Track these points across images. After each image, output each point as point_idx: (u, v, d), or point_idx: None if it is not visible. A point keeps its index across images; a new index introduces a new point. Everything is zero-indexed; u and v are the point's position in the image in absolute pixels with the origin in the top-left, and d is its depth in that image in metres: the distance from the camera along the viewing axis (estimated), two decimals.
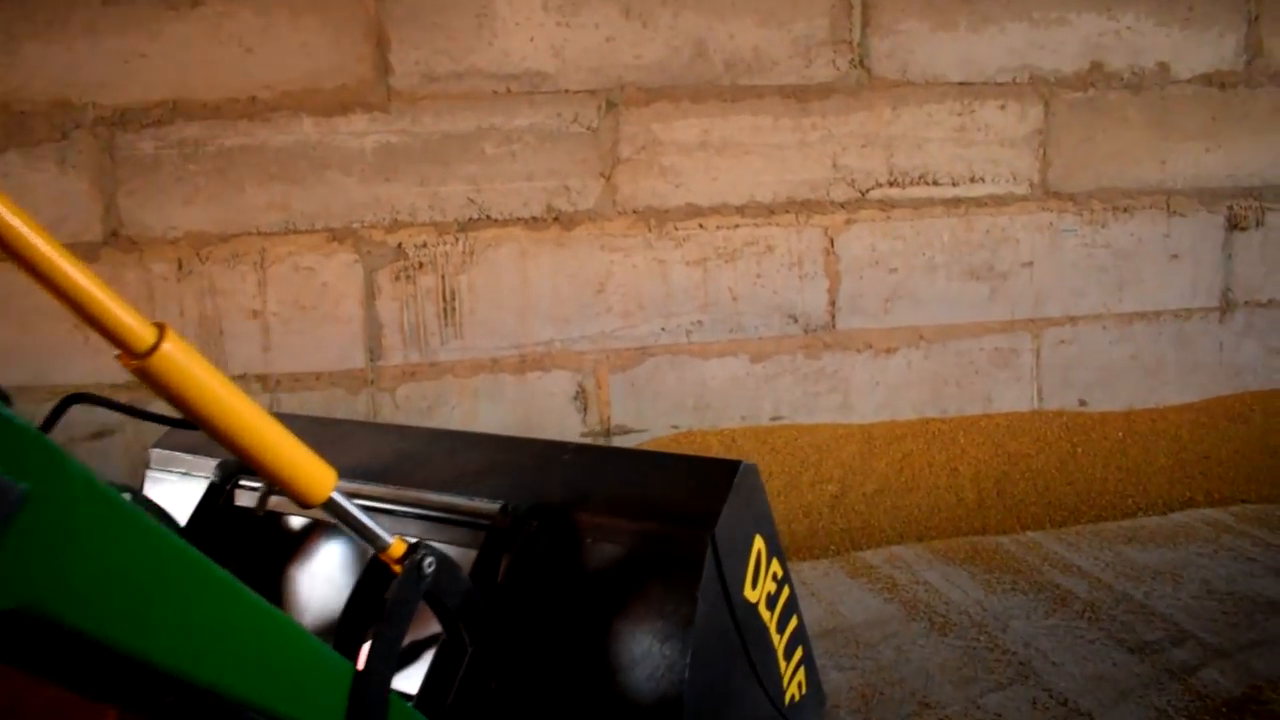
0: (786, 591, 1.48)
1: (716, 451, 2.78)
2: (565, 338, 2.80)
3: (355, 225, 2.67)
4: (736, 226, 2.85)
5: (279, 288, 2.67)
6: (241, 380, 2.68)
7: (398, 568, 1.16)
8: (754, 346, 2.91)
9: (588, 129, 2.73)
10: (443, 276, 2.72)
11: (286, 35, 2.59)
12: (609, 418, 2.86)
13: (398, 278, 2.71)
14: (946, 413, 3.05)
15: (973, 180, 2.93)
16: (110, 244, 2.60)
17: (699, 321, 2.86)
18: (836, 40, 2.81)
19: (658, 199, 2.79)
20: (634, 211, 2.78)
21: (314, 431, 1.83)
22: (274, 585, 1.67)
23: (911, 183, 2.92)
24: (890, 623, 2.08)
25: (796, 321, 2.92)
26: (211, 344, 2.66)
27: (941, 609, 2.16)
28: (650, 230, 2.80)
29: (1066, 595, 2.21)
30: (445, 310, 2.74)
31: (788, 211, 2.87)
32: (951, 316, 3.00)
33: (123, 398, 2.65)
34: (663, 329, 2.85)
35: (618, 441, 2.87)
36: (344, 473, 1.57)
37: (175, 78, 2.56)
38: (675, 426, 2.90)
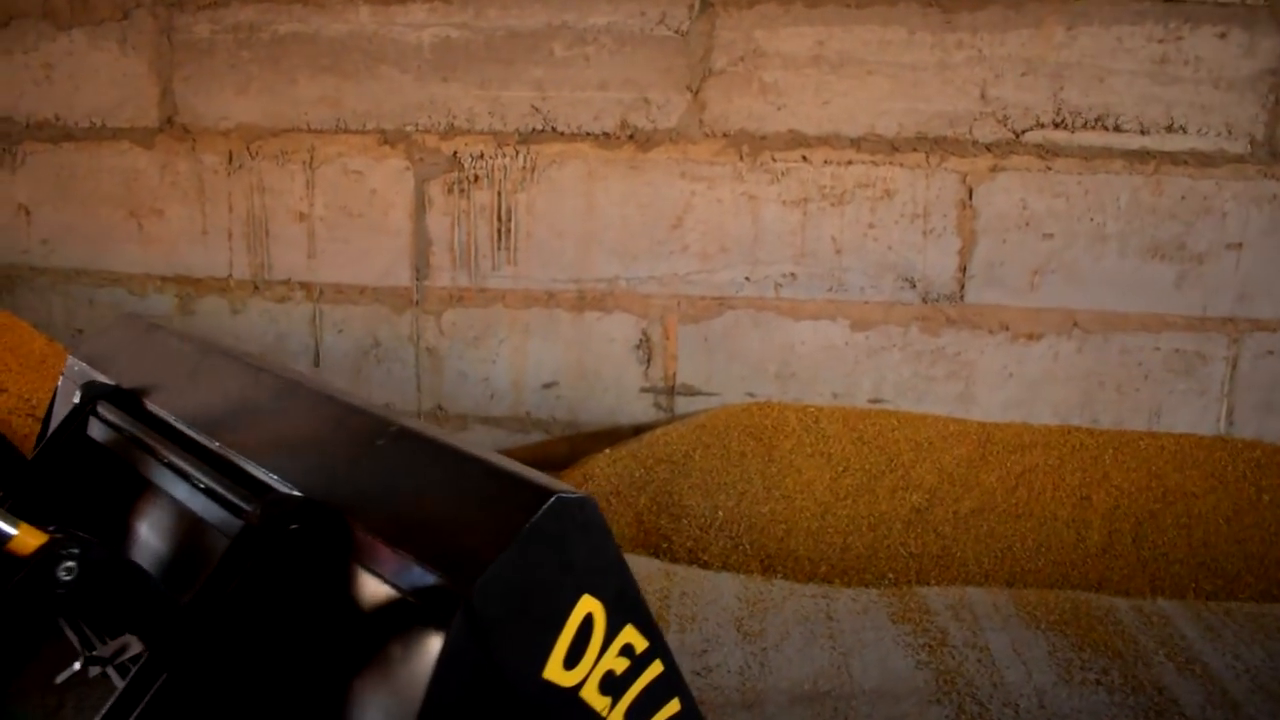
0: (654, 670, 1.05)
1: (794, 431, 2.33)
2: (632, 276, 2.42)
3: (409, 128, 2.40)
4: (849, 163, 2.34)
5: (327, 190, 2.46)
6: (285, 286, 2.51)
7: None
8: (857, 311, 2.41)
9: (676, 32, 2.31)
10: (499, 193, 2.41)
11: None
12: (674, 374, 2.47)
13: (450, 190, 2.42)
14: (1098, 423, 2.42)
15: (1170, 130, 2.26)
16: (165, 130, 2.48)
17: (791, 274, 2.40)
18: None
19: (754, 122, 2.34)
20: (724, 135, 2.35)
21: (176, 357, 1.57)
22: (116, 530, 1.44)
23: (1085, 126, 2.28)
24: (904, 700, 1.59)
25: (914, 287, 2.39)
26: (258, 245, 2.50)
27: (984, 693, 1.63)
28: (742, 159, 2.35)
29: (1168, 707, 1.61)
30: (500, 231, 2.43)
31: (916, 150, 2.33)
32: (1120, 303, 2.36)
33: (171, 290, 2.56)
34: (747, 278, 2.41)
35: (682, 404, 2.48)
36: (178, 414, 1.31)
37: None
38: (751, 395, 2.47)
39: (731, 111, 2.33)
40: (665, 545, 2.10)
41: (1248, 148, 2.25)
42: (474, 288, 2.46)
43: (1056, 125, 2.28)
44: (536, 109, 2.36)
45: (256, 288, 2.52)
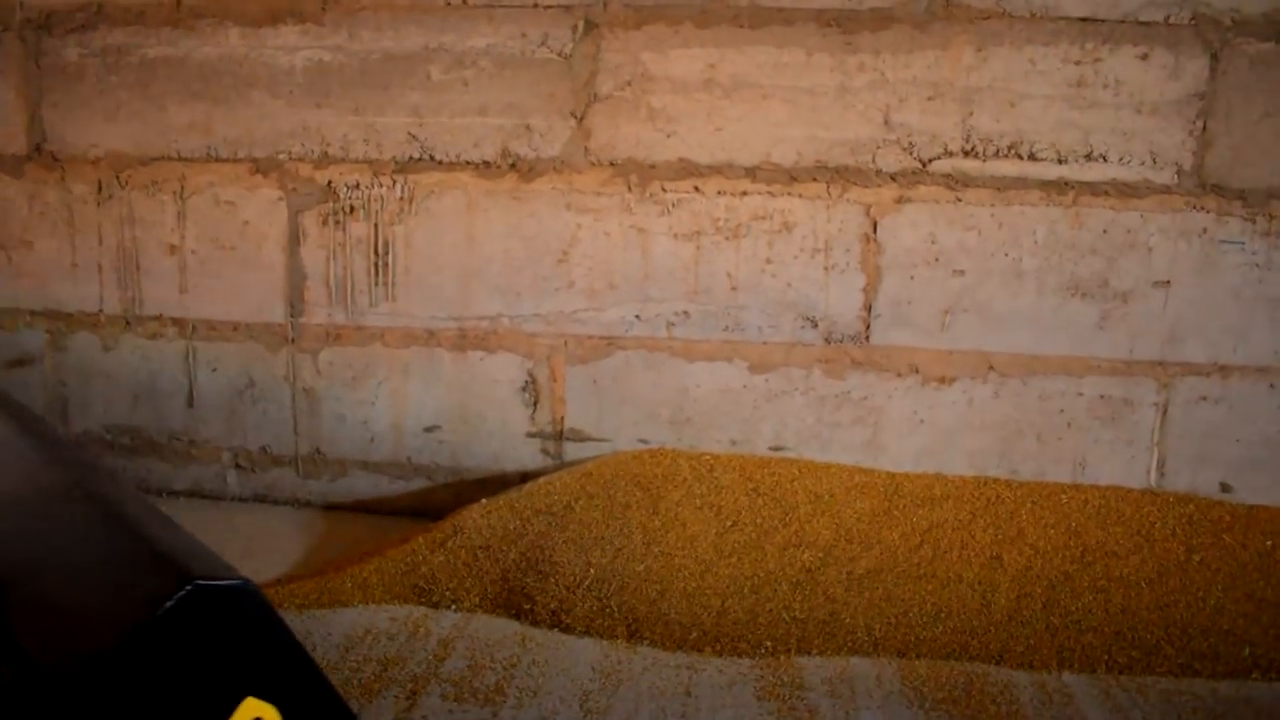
0: None
1: (685, 481, 2.15)
2: (516, 314, 2.27)
3: (281, 157, 2.27)
4: (744, 194, 2.18)
5: (199, 222, 2.33)
6: (157, 322, 2.38)
7: None
8: (756, 353, 2.24)
9: (559, 55, 2.17)
10: (376, 225, 2.27)
11: None
12: (562, 418, 2.31)
13: (326, 222, 2.29)
14: (1017, 474, 2.23)
15: (1089, 158, 2.08)
16: (34, 159, 2.36)
17: (685, 312, 2.23)
18: None
19: (643, 150, 2.19)
20: (611, 164, 2.20)
21: None
22: None
23: (997, 154, 2.12)
24: None
25: (816, 327, 2.22)
26: (129, 279, 2.37)
27: None
28: (630, 190, 2.20)
29: None
30: (377, 265, 2.29)
31: (816, 180, 2.17)
32: (1040, 345, 2.18)
33: (42, 325, 2.44)
34: (637, 316, 2.25)
35: (571, 450, 2.31)
36: None
37: None
38: (643, 440, 2.30)
39: (619, 139, 2.18)
40: (528, 606, 1.93)
41: (1174, 177, 2.06)
42: (351, 325, 2.32)
43: (966, 153, 2.11)
44: (414, 136, 2.23)
45: (128, 323, 2.39)
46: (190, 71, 2.26)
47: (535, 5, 2.16)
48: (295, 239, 2.30)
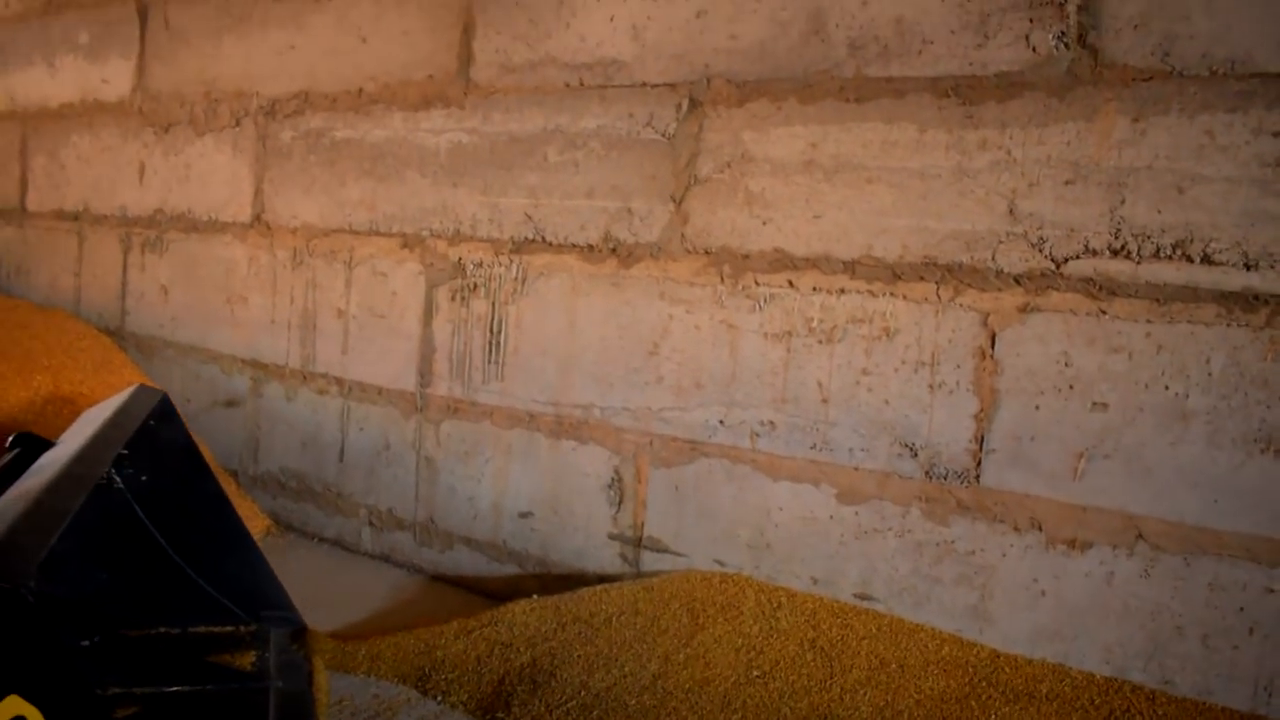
0: None
1: (739, 616, 1.85)
2: (607, 405, 2.13)
3: (424, 233, 2.37)
4: (841, 291, 1.86)
5: (360, 290, 2.50)
6: (324, 379, 2.58)
7: None
8: (846, 478, 1.88)
9: (662, 135, 2.03)
10: (493, 303, 2.27)
11: (393, 23, 2.39)
12: (642, 524, 2.11)
13: (454, 297, 2.33)
14: (1171, 685, 1.62)
15: None
16: (254, 226, 2.70)
17: (770, 422, 1.95)
18: (1037, 2, 1.66)
19: (737, 238, 1.96)
20: (705, 251, 2.00)
21: None
22: None
23: (1157, 254, 1.60)
24: None
25: (916, 456, 1.81)
26: (308, 338, 2.61)
27: None
28: (723, 281, 1.98)
29: None
30: (491, 343, 2.28)
31: (924, 279, 1.79)
32: (1211, 515, 1.58)
33: (248, 373, 2.75)
34: (721, 421, 2.00)
35: (649, 560, 2.10)
36: None
37: (309, 68, 2.55)
38: (719, 562, 2.02)
39: (714, 225, 1.99)
40: (502, 716, 1.77)
41: None
42: (467, 400, 2.33)
43: (1115, 252, 1.63)
44: (529, 216, 2.21)
45: (305, 378, 2.62)
46: (364, 151, 2.46)
47: (643, 85, 2.05)
48: (430, 312, 2.38)
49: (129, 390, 2.02)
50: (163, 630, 1.70)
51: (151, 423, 1.89)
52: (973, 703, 1.64)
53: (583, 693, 1.76)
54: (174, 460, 1.89)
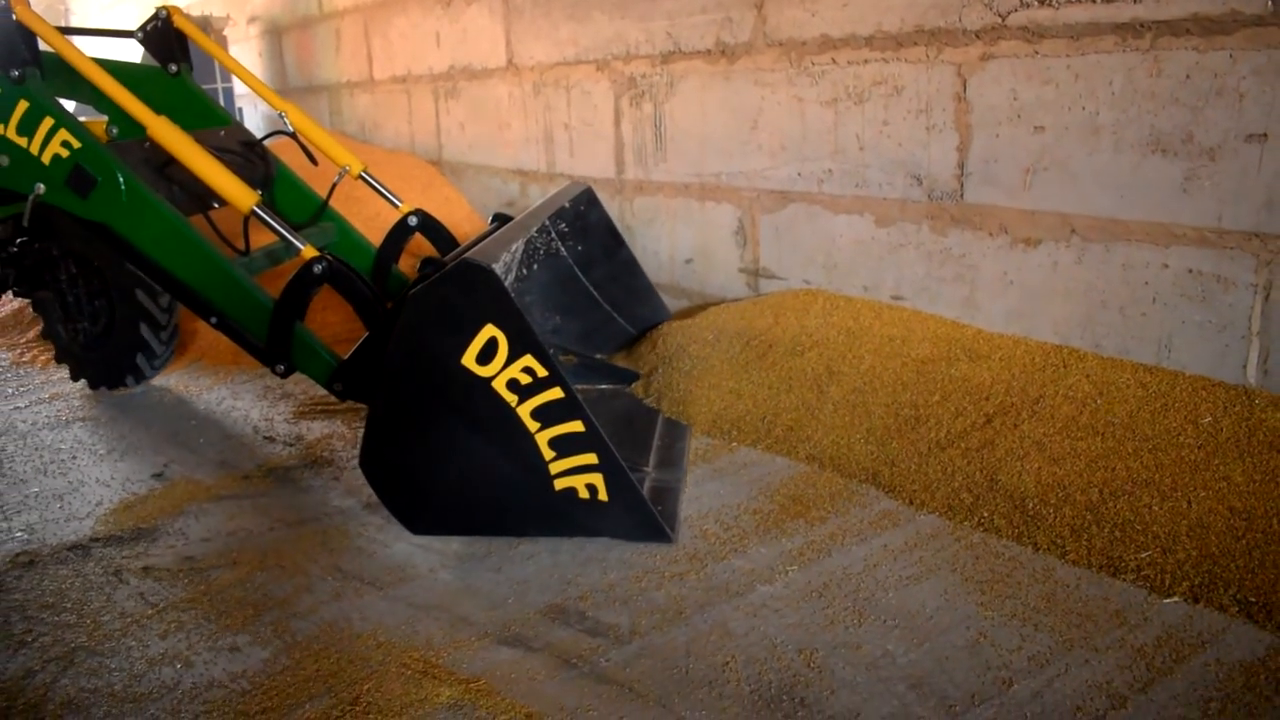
0: (552, 394, 1.69)
1: (813, 311, 2.51)
2: (730, 171, 2.82)
3: (608, 57, 3.13)
4: (866, 62, 2.37)
5: (575, 107, 3.33)
6: (562, 177, 3.48)
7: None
8: (878, 208, 2.43)
9: None
10: (655, 104, 3.00)
11: None
12: (758, 258, 2.80)
13: (631, 104, 3.09)
14: (1100, 348, 2.06)
15: None
16: (509, 69, 3.61)
17: (829, 170, 2.53)
18: None
19: (797, 30, 2.52)
20: (779, 44, 2.57)
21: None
22: None
23: (1069, 0, 1.96)
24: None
25: (920, 184, 2.32)
26: (546, 148, 3.51)
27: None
28: (791, 64, 2.56)
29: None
30: (656, 135, 3.03)
31: (917, 44, 2.26)
32: (1120, 208, 1.97)
33: (516, 180, 3.73)
34: (798, 174, 2.61)
35: (765, 285, 2.80)
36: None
37: None
38: (807, 281, 2.67)
39: (783, 22, 2.55)
40: (650, 380, 2.60)
41: (1268, 5, 1.73)
42: (647, 180, 3.11)
43: (1042, 2, 2.02)
44: (669, 34, 2.89)
45: (550, 178, 3.54)
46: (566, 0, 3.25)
47: None
48: (618, 116, 3.17)
49: (566, 186, 2.79)
50: (598, 356, 2.64)
51: (581, 207, 2.71)
52: (942, 362, 2.22)
53: (700, 357, 2.56)
54: (598, 235, 2.76)
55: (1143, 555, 1.58)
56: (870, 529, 1.77)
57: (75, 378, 2.85)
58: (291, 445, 2.37)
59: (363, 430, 1.84)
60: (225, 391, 2.79)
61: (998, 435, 1.93)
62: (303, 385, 2.76)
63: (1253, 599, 1.45)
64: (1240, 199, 1.83)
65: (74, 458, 2.36)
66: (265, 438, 2.42)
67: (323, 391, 2.54)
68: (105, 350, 2.74)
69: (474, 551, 1.79)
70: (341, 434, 2.41)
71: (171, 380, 2.91)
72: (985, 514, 1.77)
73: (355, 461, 2.23)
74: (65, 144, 2.17)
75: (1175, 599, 1.49)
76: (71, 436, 2.50)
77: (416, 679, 1.41)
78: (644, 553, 1.74)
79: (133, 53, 3.35)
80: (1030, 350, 2.19)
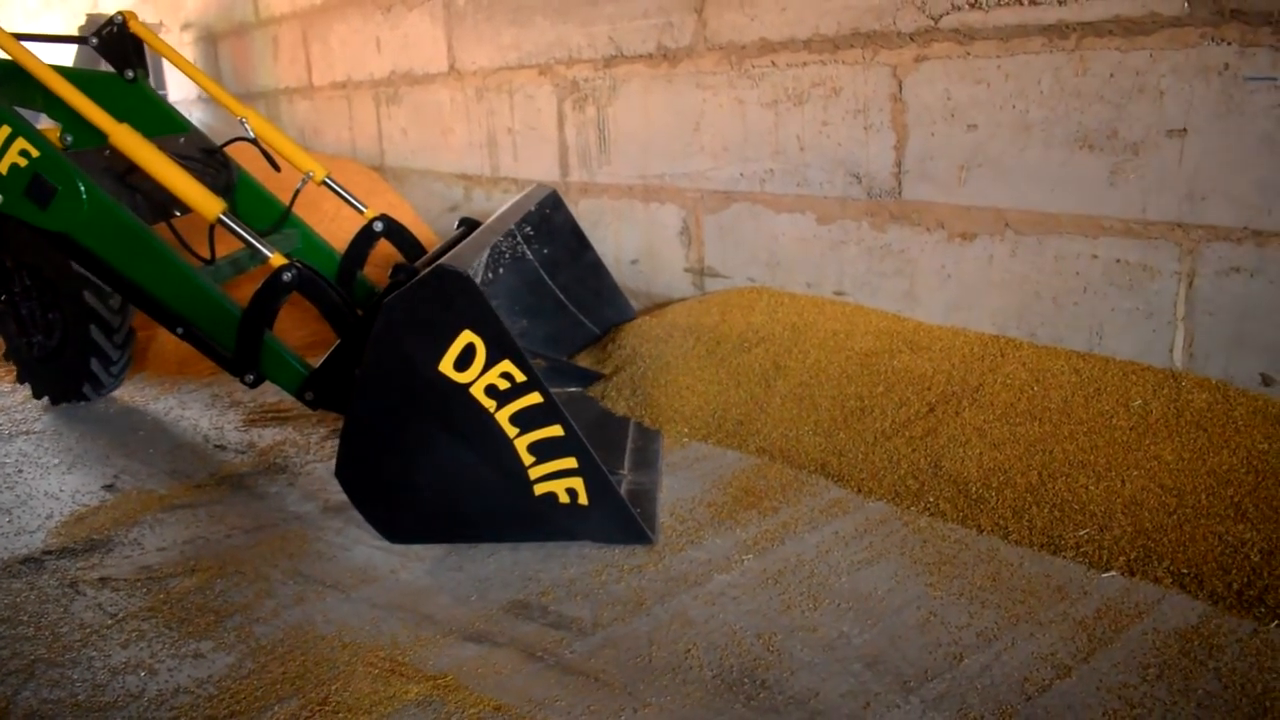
0: (531, 399, 1.69)
1: (757, 308, 2.56)
2: (673, 172, 2.86)
3: (550, 61, 3.16)
4: (805, 65, 2.44)
5: (518, 111, 3.36)
6: (506, 181, 3.50)
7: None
8: (819, 206, 2.50)
9: None
10: (598, 108, 3.04)
11: None
12: (703, 258, 2.86)
13: (574, 107, 3.13)
14: (1035, 337, 2.15)
15: None
16: (450, 74, 3.62)
17: (771, 170, 2.59)
18: None
19: (737, 34, 2.58)
20: (720, 48, 2.63)
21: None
22: None
23: (1000, 2, 2.04)
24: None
25: (860, 182, 2.39)
26: (490, 152, 3.53)
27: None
28: (732, 68, 2.61)
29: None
30: (600, 138, 3.07)
31: (854, 46, 2.33)
32: (1051, 202, 2.06)
33: (459, 185, 3.74)
34: (741, 174, 2.67)
35: (709, 284, 2.85)
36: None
37: None
38: (751, 279, 2.73)
39: (723, 27, 2.61)
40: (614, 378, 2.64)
41: (1185, 5, 1.82)
42: (591, 182, 3.15)
43: (972, 5, 2.10)
44: (611, 39, 2.93)
45: (494, 182, 3.56)
46: (509, 4, 3.27)
47: None
48: (561, 120, 3.20)
49: (532, 189, 2.72)
50: (564, 359, 2.63)
51: (546, 210, 2.70)
52: (885, 355, 2.29)
53: (653, 356, 2.60)
54: (563, 237, 2.75)
55: (1081, 533, 1.66)
56: (821, 517, 1.83)
57: (37, 395, 2.80)
58: (244, 453, 2.36)
59: (337, 441, 1.82)
60: (173, 401, 2.77)
61: (940, 423, 2.01)
62: (251, 393, 2.75)
63: (1185, 570, 1.53)
64: (1163, 191, 1.92)
65: (20, 471, 2.33)
66: (216, 446, 2.41)
67: (273, 398, 2.54)
68: (61, 360, 2.70)
69: (435, 552, 1.81)
70: (294, 440, 2.41)
71: (118, 391, 2.87)
72: (931, 499, 1.84)
73: (309, 467, 2.23)
74: (24, 153, 2.14)
75: (1113, 573, 1.56)
76: (16, 450, 2.46)
77: (384, 677, 1.43)
78: (603, 547, 1.78)
79: (59, 57, 3.30)
80: (969, 341, 2.27)
